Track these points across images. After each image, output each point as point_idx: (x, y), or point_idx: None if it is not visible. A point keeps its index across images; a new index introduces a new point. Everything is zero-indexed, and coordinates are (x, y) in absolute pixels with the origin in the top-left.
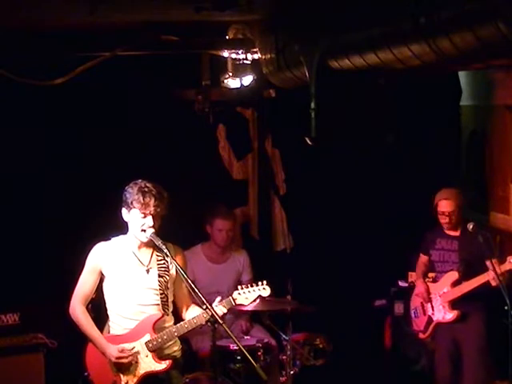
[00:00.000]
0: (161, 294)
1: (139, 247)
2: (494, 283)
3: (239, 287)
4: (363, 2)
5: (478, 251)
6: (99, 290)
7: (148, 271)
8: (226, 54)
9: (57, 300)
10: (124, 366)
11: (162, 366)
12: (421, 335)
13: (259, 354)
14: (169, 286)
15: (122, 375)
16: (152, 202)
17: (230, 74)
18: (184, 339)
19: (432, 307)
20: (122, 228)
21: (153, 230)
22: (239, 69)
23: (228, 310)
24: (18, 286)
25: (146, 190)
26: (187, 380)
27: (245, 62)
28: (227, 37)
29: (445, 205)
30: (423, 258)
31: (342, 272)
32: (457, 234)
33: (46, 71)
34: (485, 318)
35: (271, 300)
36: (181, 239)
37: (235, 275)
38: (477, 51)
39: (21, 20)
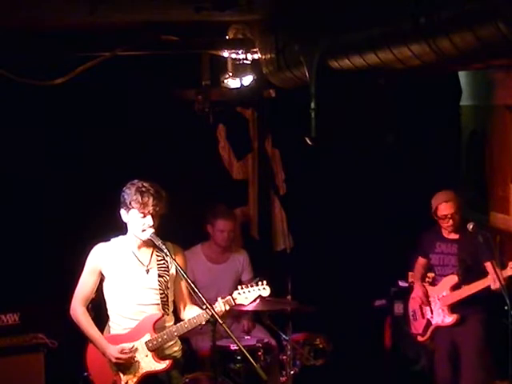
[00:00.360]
0: (161, 293)
1: (139, 247)
2: (493, 287)
3: (239, 287)
4: (363, 1)
5: (477, 254)
6: (99, 290)
7: (148, 271)
8: (226, 54)
9: (57, 300)
10: (124, 366)
11: (162, 365)
12: (419, 338)
13: (259, 354)
14: (169, 285)
15: (121, 375)
16: (150, 201)
17: (230, 73)
18: (184, 339)
19: (431, 310)
20: (121, 228)
21: (153, 230)
22: (239, 69)
23: (228, 310)
24: (18, 286)
25: (144, 189)
26: (187, 380)
27: (245, 62)
28: (227, 37)
29: (445, 208)
30: (422, 261)
31: (342, 272)
32: (456, 236)
33: (46, 71)
34: (484, 320)
35: (271, 300)
36: (181, 239)
37: (235, 275)
38: (477, 51)
39: (21, 20)
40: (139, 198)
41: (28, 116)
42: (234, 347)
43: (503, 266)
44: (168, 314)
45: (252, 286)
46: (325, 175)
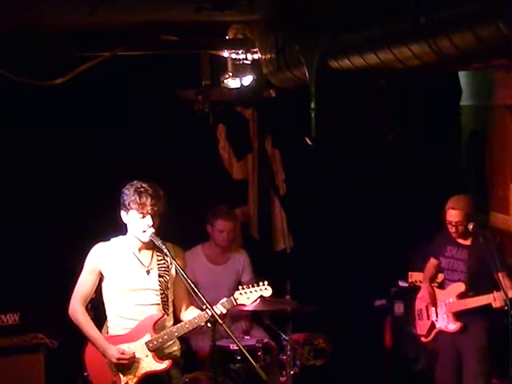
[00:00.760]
0: (161, 294)
1: (139, 248)
2: (495, 305)
3: (240, 287)
4: (363, 1)
5: (487, 263)
6: (98, 290)
7: (149, 272)
8: (226, 54)
9: (57, 300)
10: (124, 367)
11: (163, 365)
12: (423, 339)
13: (259, 354)
14: (169, 285)
15: (121, 375)
16: (149, 201)
17: (230, 73)
18: (184, 339)
19: (436, 313)
20: (121, 228)
21: (153, 230)
22: (239, 69)
23: (228, 310)
24: (18, 286)
25: (142, 190)
26: (187, 380)
27: (245, 62)
28: (227, 37)
29: (451, 214)
30: (433, 262)
31: (341, 272)
32: (467, 242)
33: (46, 71)
34: (487, 327)
35: (271, 300)
36: (181, 239)
37: (235, 276)
38: (477, 51)
39: (21, 20)
40: (137, 199)
41: (28, 116)
42: (234, 347)
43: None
44: (168, 315)
45: (253, 287)
46: (325, 175)
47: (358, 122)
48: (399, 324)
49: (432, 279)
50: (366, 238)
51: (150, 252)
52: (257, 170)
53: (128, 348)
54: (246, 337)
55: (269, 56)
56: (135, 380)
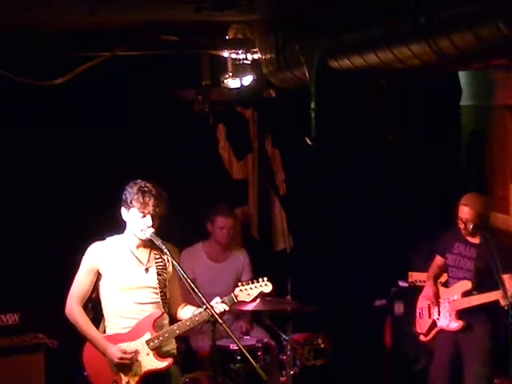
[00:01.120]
0: (160, 291)
1: (137, 246)
2: (503, 303)
3: (240, 284)
4: (363, 1)
5: (495, 263)
6: (96, 289)
7: (147, 270)
8: (226, 54)
9: (57, 300)
10: (125, 366)
11: (164, 363)
12: (422, 338)
13: (259, 354)
14: (167, 283)
15: (122, 375)
16: (151, 201)
17: (230, 73)
18: (184, 338)
19: (438, 312)
20: (121, 228)
21: (152, 230)
22: (239, 69)
23: (229, 308)
24: (18, 286)
25: (146, 189)
26: (187, 380)
27: (245, 62)
28: (227, 37)
29: (463, 211)
30: (439, 260)
31: (341, 272)
32: (476, 241)
33: (46, 71)
34: (490, 330)
35: (271, 300)
36: (181, 239)
37: (235, 274)
38: (477, 51)
39: (21, 20)
40: (140, 198)
41: (28, 116)
42: (234, 347)
43: None
44: (167, 313)
45: (253, 283)
46: (325, 175)
47: (358, 122)
48: (399, 324)
49: (436, 278)
50: (366, 238)
51: (147, 250)
52: (257, 170)
53: (128, 347)
54: (246, 337)
55: (269, 56)
56: (137, 379)
